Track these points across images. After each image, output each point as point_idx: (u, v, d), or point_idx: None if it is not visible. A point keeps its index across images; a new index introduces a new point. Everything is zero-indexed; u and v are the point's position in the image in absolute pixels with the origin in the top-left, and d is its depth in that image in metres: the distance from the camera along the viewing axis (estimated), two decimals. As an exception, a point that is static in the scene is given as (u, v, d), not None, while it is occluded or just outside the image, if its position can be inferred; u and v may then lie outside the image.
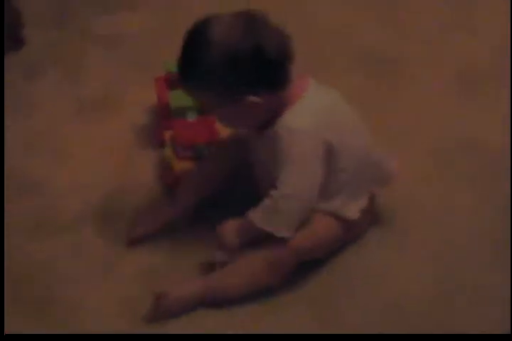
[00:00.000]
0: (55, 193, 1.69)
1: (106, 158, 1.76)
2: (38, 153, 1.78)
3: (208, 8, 2.15)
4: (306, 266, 1.48)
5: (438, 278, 1.49)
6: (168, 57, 1.94)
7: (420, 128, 1.79)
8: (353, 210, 1.48)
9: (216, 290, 1.45)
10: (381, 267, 1.52)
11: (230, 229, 1.44)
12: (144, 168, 1.73)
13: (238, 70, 1.34)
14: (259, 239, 1.43)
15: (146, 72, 1.94)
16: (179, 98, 1.74)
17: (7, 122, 1.84)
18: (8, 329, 1.36)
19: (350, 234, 1.51)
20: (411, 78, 1.94)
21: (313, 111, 1.40)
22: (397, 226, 1.58)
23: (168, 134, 1.70)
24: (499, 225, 1.58)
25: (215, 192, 1.59)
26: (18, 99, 1.91)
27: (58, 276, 1.52)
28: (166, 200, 1.62)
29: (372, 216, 1.55)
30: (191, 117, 1.73)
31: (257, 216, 1.41)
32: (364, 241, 1.55)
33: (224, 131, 1.65)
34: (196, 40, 1.36)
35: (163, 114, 1.74)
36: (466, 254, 1.53)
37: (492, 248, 1.54)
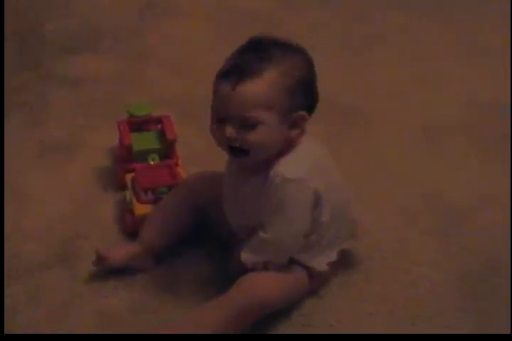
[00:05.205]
0: (14, 237, 1.66)
1: (66, 202, 1.74)
2: (-2, 196, 1.76)
3: (172, 52, 2.21)
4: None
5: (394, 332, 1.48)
6: (131, 99, 1.97)
7: (384, 182, 1.79)
8: (323, 263, 1.50)
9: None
10: (340, 317, 1.50)
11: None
12: (104, 212, 1.72)
13: (308, 88, 1.40)
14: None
15: (108, 114, 1.94)
16: (141, 141, 1.75)
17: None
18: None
19: (315, 284, 1.52)
20: (376, 132, 1.95)
21: (309, 159, 1.42)
22: (358, 278, 1.58)
23: (129, 177, 1.70)
24: (463, 281, 1.57)
25: (180, 231, 1.59)
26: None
27: (17, 323, 1.49)
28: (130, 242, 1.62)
29: (336, 266, 1.55)
30: (153, 160, 1.73)
31: (248, 257, 1.45)
32: (325, 290, 1.55)
33: (185, 175, 1.66)
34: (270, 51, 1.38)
35: (125, 157, 1.74)
36: (426, 310, 1.52)
37: (455, 309, 1.53)
